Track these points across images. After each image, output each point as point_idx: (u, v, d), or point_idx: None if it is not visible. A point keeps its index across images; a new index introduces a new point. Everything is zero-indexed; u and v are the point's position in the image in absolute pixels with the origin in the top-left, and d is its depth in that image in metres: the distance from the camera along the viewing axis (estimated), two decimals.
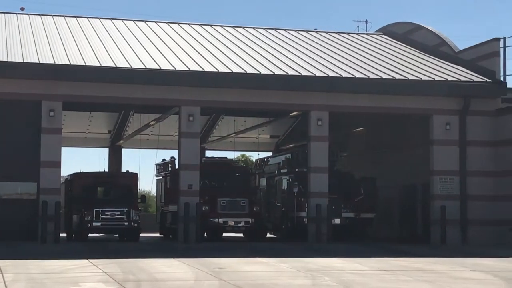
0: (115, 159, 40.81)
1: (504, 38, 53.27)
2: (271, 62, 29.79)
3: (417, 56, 33.05)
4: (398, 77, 29.22)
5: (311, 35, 36.55)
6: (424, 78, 29.31)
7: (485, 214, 28.74)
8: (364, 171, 34.38)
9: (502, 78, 33.58)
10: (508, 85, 31.47)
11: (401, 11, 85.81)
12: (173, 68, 27.56)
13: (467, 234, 28.66)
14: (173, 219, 30.51)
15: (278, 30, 36.72)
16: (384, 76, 29.12)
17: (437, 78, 29.40)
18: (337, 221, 29.36)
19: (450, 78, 29.47)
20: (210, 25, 36.17)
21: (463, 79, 29.53)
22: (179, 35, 33.48)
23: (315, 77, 28.40)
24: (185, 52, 30.18)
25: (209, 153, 40.78)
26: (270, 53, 31.44)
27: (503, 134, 28.90)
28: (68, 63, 26.63)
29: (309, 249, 25.22)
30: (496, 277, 17.98)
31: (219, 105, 29.29)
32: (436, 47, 33.70)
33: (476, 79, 29.61)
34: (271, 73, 28.24)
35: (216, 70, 27.83)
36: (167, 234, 33.50)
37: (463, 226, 28.68)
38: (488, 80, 29.53)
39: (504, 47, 53.03)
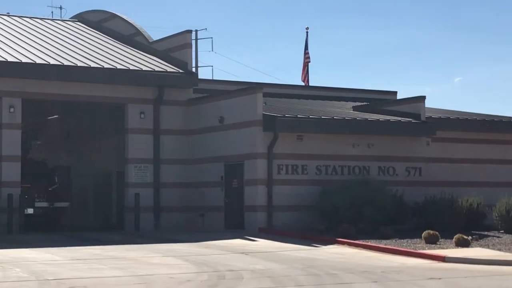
0: None
1: (196, 31, 55.52)
2: None
3: (112, 45, 33.25)
4: (93, 65, 29.20)
5: (3, 18, 35.25)
6: (119, 67, 29.57)
7: (177, 201, 29.72)
8: (59, 160, 33.99)
9: (194, 69, 34.87)
10: (200, 76, 32.80)
11: None
12: None
13: (160, 220, 29.46)
14: None
15: None
16: (80, 64, 28.95)
17: (132, 67, 29.82)
18: (30, 211, 28.74)
19: (144, 68, 30.04)
20: None
21: (157, 69, 30.24)
22: None
23: (7, 62, 27.50)
24: None
25: None
26: None
27: (195, 123, 30.06)
28: None
29: (0, 241, 24.43)
30: (186, 261, 18.76)
31: None
32: (131, 36, 34.12)
33: (169, 69, 30.47)
34: None
35: None
36: None
37: (157, 213, 29.44)
38: (180, 70, 30.51)
39: (196, 39, 55.26)
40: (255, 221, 26.87)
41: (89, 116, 33.58)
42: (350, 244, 22.92)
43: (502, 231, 26.35)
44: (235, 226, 27.52)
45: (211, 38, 59.06)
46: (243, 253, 20.91)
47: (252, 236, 25.31)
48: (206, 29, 73.66)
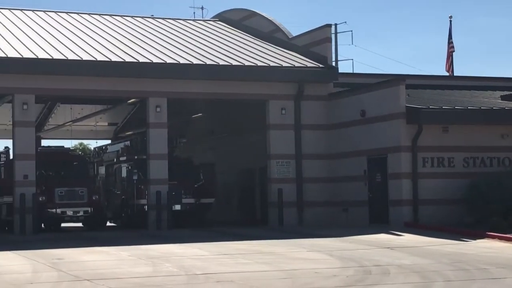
0: None
1: (335, 24, 55.32)
2: (107, 48, 29.37)
3: (252, 42, 33.57)
4: (234, 63, 29.57)
5: (147, 21, 36.32)
6: (259, 64, 29.82)
7: (320, 195, 29.66)
8: (203, 157, 34.63)
9: (334, 63, 34.70)
10: (340, 70, 32.56)
11: None
12: (4, 55, 26.62)
13: (303, 215, 29.50)
14: (9, 210, 29.57)
15: (114, 16, 36.25)
16: (221, 62, 29.40)
17: (272, 64, 29.99)
18: (178, 207, 29.45)
19: (284, 64, 30.14)
20: (43, 11, 35.24)
21: (297, 64, 30.28)
22: (11, 21, 32.39)
23: (153, 63, 28.27)
24: (17, 38, 29.23)
25: (45, 142, 39.79)
26: (107, 40, 30.99)
27: (336, 117, 29.89)
28: None
29: (150, 236, 25.17)
30: (331, 256, 18.64)
31: (54, 93, 28.62)
32: (270, 33, 34.35)
33: (309, 64, 30.43)
34: (108, 59, 27.85)
35: (50, 57, 27.13)
36: (2, 227, 32.40)
37: (300, 208, 29.50)
38: (320, 65, 30.40)
39: (336, 33, 55.07)
40: (400, 215, 26.44)
41: (232, 113, 34.07)
42: (501, 238, 22.13)
43: None
44: (380, 220, 27.17)
45: (351, 31, 58.89)
46: (388, 248, 20.60)
47: (397, 230, 24.91)
48: (345, 22, 73.50)
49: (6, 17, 33.03)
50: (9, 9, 34.68)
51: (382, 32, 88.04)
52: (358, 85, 30.31)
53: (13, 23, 32.10)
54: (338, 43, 55.13)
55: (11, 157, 29.46)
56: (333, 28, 48.35)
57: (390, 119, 26.96)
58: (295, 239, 23.13)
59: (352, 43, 72.04)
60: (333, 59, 39.69)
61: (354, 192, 28.66)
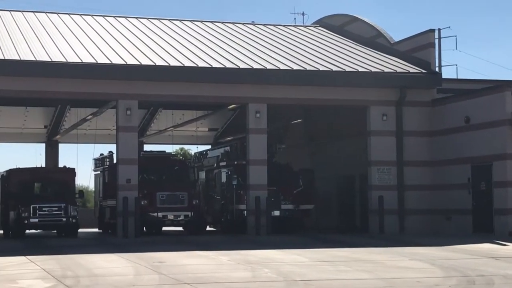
0: (52, 154, 40.26)
1: (439, 29, 54.31)
2: (208, 55, 29.70)
3: (354, 48, 33.32)
4: (335, 69, 29.42)
5: (248, 27, 36.56)
6: (360, 69, 29.56)
7: (422, 203, 29.17)
8: (302, 163, 34.55)
9: (437, 69, 34.08)
10: (443, 76, 31.96)
11: (337, 3, 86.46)
12: (109, 62, 27.26)
13: (404, 223, 29.05)
14: (112, 214, 30.26)
15: (215, 23, 36.65)
16: (321, 68, 29.29)
17: (373, 69, 29.69)
18: (277, 213, 29.46)
19: (386, 70, 29.79)
20: (147, 18, 35.96)
21: (399, 70, 29.88)
22: (116, 28, 33.17)
23: (253, 69, 28.42)
24: (122, 45, 29.90)
25: (147, 147, 40.56)
26: (208, 46, 31.35)
27: (439, 124, 29.36)
28: (3, 58, 26.13)
29: (249, 242, 25.24)
30: (433, 265, 18.25)
31: (156, 99, 29.14)
32: (372, 38, 34.02)
33: (412, 70, 29.99)
34: (209, 66, 28.16)
35: (153, 64, 27.64)
36: (106, 229, 33.22)
37: (401, 216, 29.06)
38: (423, 71, 29.93)
39: (439, 38, 54.03)
40: (505, 224, 25.74)
41: (332, 119, 33.89)
42: None
43: None
44: (484, 229, 26.52)
45: (455, 36, 57.85)
46: (493, 257, 20.02)
47: (502, 240, 24.21)
48: (449, 27, 72.12)
49: (110, 24, 33.88)
50: (114, 16, 35.56)
51: (487, 37, 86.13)
52: (462, 91, 29.67)
53: (117, 29, 32.88)
54: (442, 48, 54.09)
55: (114, 161, 30.14)
56: (436, 33, 47.42)
57: (496, 126, 26.30)
58: (395, 247, 22.76)
59: (456, 48, 70.84)
60: (436, 64, 38.90)
61: (457, 200, 28.05)
